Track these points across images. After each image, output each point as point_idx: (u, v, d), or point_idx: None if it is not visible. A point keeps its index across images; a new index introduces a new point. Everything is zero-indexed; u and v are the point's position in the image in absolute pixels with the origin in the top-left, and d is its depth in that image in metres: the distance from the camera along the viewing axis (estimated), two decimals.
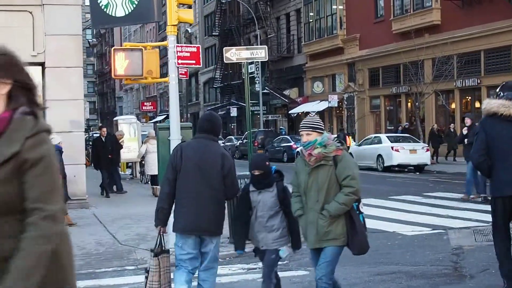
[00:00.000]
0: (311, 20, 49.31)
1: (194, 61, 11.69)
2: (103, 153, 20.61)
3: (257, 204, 6.94)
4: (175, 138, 11.20)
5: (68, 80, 16.89)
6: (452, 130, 32.61)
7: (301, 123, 6.58)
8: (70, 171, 16.56)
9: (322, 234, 6.36)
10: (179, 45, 11.56)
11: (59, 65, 16.89)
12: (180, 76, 24.47)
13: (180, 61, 11.44)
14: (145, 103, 78.37)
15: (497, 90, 7.44)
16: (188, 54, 11.55)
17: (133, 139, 27.56)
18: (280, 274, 7.57)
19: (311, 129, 6.45)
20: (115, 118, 31.29)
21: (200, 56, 11.81)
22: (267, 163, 7.03)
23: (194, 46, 11.63)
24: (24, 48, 16.63)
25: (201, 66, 13.99)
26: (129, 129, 27.80)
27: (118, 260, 10.90)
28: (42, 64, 16.98)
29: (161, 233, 7.03)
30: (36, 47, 16.79)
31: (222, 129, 7.25)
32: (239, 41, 59.71)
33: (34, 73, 18.04)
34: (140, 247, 11.76)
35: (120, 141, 21.88)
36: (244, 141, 45.02)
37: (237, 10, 62.87)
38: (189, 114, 76.57)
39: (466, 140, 16.40)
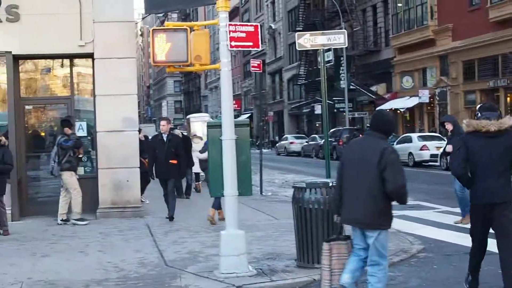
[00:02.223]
0: (399, 11, 46.67)
1: (251, 43, 9.52)
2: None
3: None
4: (228, 138, 9.12)
5: (120, 73, 15.00)
6: None
7: None
8: (123, 175, 14.73)
9: None
10: (233, 23, 9.38)
11: (110, 56, 15.01)
12: (253, 69, 22.44)
13: (233, 43, 9.28)
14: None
15: (476, 110, 8.06)
16: (243, 35, 9.37)
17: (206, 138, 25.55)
18: None
19: None
20: (188, 116, 29.49)
21: (260, 37, 9.57)
22: None
23: (251, 25, 9.42)
24: (70, 37, 14.97)
25: (260, 49, 11.78)
26: (202, 127, 25.81)
27: None
28: (91, 55, 15.18)
29: (338, 221, 7.39)
30: (84, 36, 15.00)
31: (392, 127, 7.43)
32: None
33: (82, 65, 16.47)
34: (188, 270, 9.72)
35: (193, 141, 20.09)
36: (330, 139, 43.04)
37: (321, 4, 60.65)
38: (273, 113, 74.82)
39: (447, 147, 13.59)
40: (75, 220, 14.28)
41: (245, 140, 9.49)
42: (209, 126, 9.68)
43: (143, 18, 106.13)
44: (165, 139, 14.62)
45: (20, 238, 12.81)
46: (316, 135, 50.25)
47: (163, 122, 15.17)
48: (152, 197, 17.86)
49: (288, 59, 72.62)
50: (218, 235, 12.38)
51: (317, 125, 62.63)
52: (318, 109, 55.70)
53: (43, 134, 16.71)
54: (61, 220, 14.34)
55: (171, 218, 14.46)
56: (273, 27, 75.41)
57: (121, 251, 11.26)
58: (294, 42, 64.85)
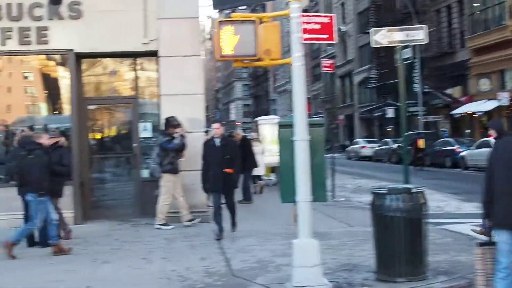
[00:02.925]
0: (475, 11, 44.97)
1: (326, 35, 8.73)
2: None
3: None
4: (301, 139, 8.34)
5: (185, 72, 14.39)
6: None
7: None
8: (189, 179, 14.09)
9: None
10: (306, 14, 8.57)
11: (175, 54, 14.42)
12: (324, 69, 21.58)
13: (307, 36, 8.49)
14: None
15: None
16: (318, 26, 8.58)
17: (276, 141, 24.76)
18: None
19: None
20: (256, 119, 28.77)
21: (335, 29, 8.75)
22: None
23: (326, 16, 8.63)
24: (134, 35, 14.48)
25: (334, 42, 10.89)
26: (271, 130, 25.04)
27: None
28: (155, 53, 14.61)
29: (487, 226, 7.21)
30: (148, 33, 14.47)
31: None
32: None
33: (147, 64, 15.78)
34: (257, 281, 8.99)
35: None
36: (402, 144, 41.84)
37: (393, 5, 59.19)
38: (343, 116, 73.69)
39: None
40: (160, 225, 13.76)
41: (320, 141, 8.70)
42: (281, 125, 8.87)
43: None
44: (218, 144, 12.65)
45: (81, 242, 12.28)
46: (389, 139, 48.90)
47: (216, 125, 13.05)
48: None
49: (359, 62, 71.43)
50: (289, 243, 11.61)
51: (388, 129, 61.26)
52: (390, 113, 54.55)
53: (107, 135, 16.20)
54: (159, 225, 13.86)
55: (233, 225, 13.19)
56: (343, 30, 74.30)
57: (186, 258, 10.62)
58: (365, 45, 64.48)
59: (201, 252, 11.12)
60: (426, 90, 48.22)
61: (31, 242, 11.93)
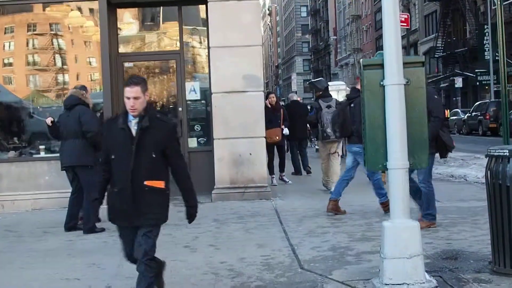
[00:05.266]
0: None
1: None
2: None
3: None
4: (394, 83, 5.98)
5: (240, 19, 12.02)
6: None
7: None
8: (245, 147, 11.84)
9: None
10: None
11: None
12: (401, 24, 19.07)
13: None
14: (360, 78, 73.06)
15: None
16: None
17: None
18: None
19: None
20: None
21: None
22: None
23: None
24: None
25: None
26: (337, 96, 22.70)
27: None
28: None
29: None
30: None
31: None
32: (463, 5, 54.89)
33: (194, 12, 13.31)
34: (333, 276, 6.69)
35: None
36: (473, 114, 39.18)
37: None
38: None
39: None
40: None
41: (420, 86, 6.26)
42: (365, 65, 6.42)
43: None
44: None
45: (112, 226, 10.03)
46: (458, 110, 46.04)
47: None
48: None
49: (424, 31, 68.30)
50: (369, 223, 9.33)
51: (455, 100, 58.37)
52: (458, 82, 52.04)
53: (147, 98, 13.85)
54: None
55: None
56: None
57: (239, 246, 8.33)
58: (430, 13, 61.42)
59: (259, 237, 8.82)
60: (497, 58, 45.23)
61: None
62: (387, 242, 6.10)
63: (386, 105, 6.12)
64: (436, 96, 8.95)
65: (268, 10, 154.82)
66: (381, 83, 6.15)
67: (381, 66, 6.18)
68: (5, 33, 13.08)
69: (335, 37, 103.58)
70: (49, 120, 9.88)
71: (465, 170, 16.31)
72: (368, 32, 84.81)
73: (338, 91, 24.46)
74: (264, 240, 8.59)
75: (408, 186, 6.17)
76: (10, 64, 13.29)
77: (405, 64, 6.18)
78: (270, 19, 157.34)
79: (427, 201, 8.91)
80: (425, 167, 7.05)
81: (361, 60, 6.40)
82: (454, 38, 57.79)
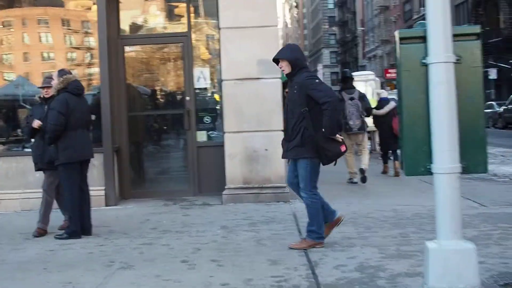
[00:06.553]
0: None
1: None
2: None
3: None
4: (441, 60, 4.55)
5: None
6: None
7: None
8: (260, 142, 10.43)
9: None
10: None
11: None
12: None
13: None
14: (389, 70, 71.29)
15: None
16: None
17: (371, 100, 20.91)
18: None
19: None
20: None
21: None
22: None
23: None
24: None
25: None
26: (365, 87, 21.23)
27: None
28: None
29: None
30: None
31: None
32: None
33: None
34: None
35: None
36: (509, 106, 37.47)
37: None
38: None
39: None
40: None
41: (475, 65, 4.79)
42: (402, 38, 4.95)
43: None
44: None
45: (103, 233, 8.62)
46: (493, 102, 44.18)
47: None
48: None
49: (455, 21, 66.44)
50: (404, 234, 7.84)
51: (488, 92, 56.49)
52: (492, 74, 50.21)
53: (151, 86, 12.38)
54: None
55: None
56: None
57: (247, 261, 6.85)
58: (462, 3, 59.58)
59: (271, 250, 7.35)
60: None
61: None
62: (432, 270, 4.66)
63: (430, 90, 4.66)
64: None
65: (295, 2, 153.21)
66: (423, 61, 4.71)
67: (423, 39, 4.75)
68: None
69: (362, 28, 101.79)
70: (36, 123, 8.58)
71: (508, 168, 14.77)
72: (397, 23, 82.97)
73: (367, 81, 22.86)
74: (278, 254, 7.12)
75: (459, 196, 4.71)
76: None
77: (455, 36, 4.72)
78: (297, 12, 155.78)
79: (311, 216, 7.26)
80: (482, 172, 5.51)
81: (396, 32, 4.89)
82: (488, 28, 55.99)
